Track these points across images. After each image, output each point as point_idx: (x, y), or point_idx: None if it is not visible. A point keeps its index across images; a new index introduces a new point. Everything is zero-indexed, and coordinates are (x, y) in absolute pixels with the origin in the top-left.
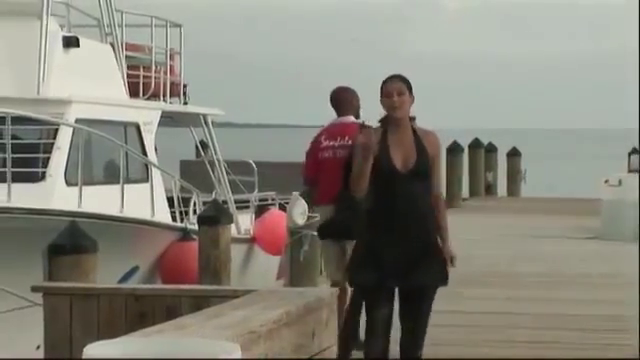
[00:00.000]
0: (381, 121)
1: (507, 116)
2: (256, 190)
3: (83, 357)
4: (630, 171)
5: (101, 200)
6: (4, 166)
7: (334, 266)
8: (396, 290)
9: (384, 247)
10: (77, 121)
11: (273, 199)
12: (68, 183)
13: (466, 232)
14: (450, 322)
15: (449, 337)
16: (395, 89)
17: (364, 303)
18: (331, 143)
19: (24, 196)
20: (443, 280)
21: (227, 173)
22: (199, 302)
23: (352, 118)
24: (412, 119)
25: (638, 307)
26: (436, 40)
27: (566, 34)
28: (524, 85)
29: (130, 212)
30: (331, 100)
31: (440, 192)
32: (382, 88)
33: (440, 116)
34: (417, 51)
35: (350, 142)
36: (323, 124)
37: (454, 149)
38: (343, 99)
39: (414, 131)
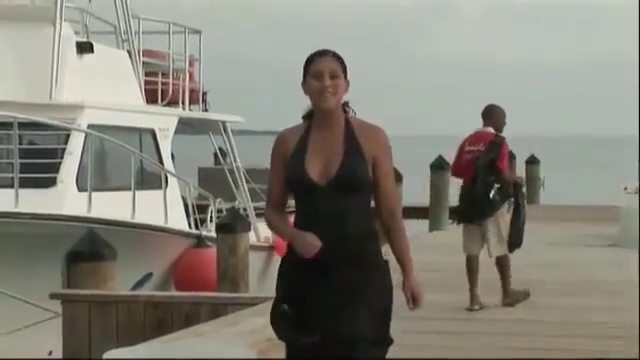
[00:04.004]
0: (305, 116)
1: (525, 123)
2: None
3: None
4: None
5: (115, 206)
6: (15, 171)
7: (464, 241)
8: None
9: (305, 288)
10: (90, 127)
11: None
12: (80, 189)
13: None
14: (467, 329)
15: (466, 344)
16: (327, 68)
17: None
18: (471, 148)
19: (35, 201)
20: (372, 334)
21: (247, 181)
22: (217, 309)
23: (490, 129)
24: (345, 105)
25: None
26: (452, 45)
27: (584, 37)
28: (541, 91)
29: (145, 218)
30: (482, 113)
31: (393, 205)
32: (307, 66)
33: (456, 122)
34: (432, 55)
35: (483, 148)
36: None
37: None
38: (487, 114)
39: (348, 125)
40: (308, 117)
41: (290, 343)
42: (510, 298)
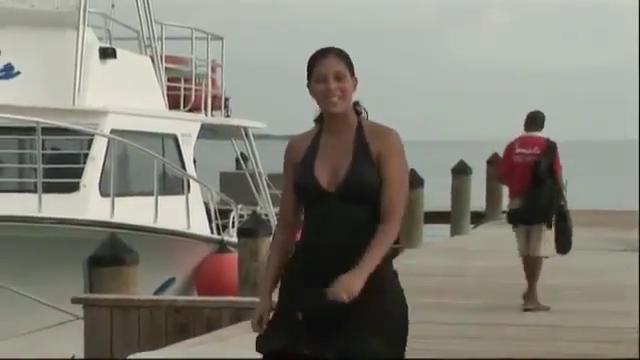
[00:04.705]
0: (317, 120)
1: (547, 128)
2: None
3: None
4: None
5: (137, 211)
6: (38, 176)
7: (520, 244)
8: None
9: (303, 297)
10: (113, 132)
11: None
12: (103, 194)
13: (505, 244)
14: (488, 334)
15: (487, 349)
16: (332, 71)
17: None
18: (523, 150)
19: (58, 206)
20: (387, 350)
21: (268, 186)
22: (239, 314)
23: (540, 134)
24: (356, 105)
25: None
26: (476, 51)
27: (610, 43)
28: (562, 97)
29: (167, 224)
30: (530, 117)
31: (390, 204)
32: (311, 68)
33: (480, 127)
34: (457, 61)
35: (538, 151)
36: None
37: (494, 161)
38: (536, 120)
39: (359, 128)
40: (319, 120)
41: (282, 351)
42: (532, 304)
